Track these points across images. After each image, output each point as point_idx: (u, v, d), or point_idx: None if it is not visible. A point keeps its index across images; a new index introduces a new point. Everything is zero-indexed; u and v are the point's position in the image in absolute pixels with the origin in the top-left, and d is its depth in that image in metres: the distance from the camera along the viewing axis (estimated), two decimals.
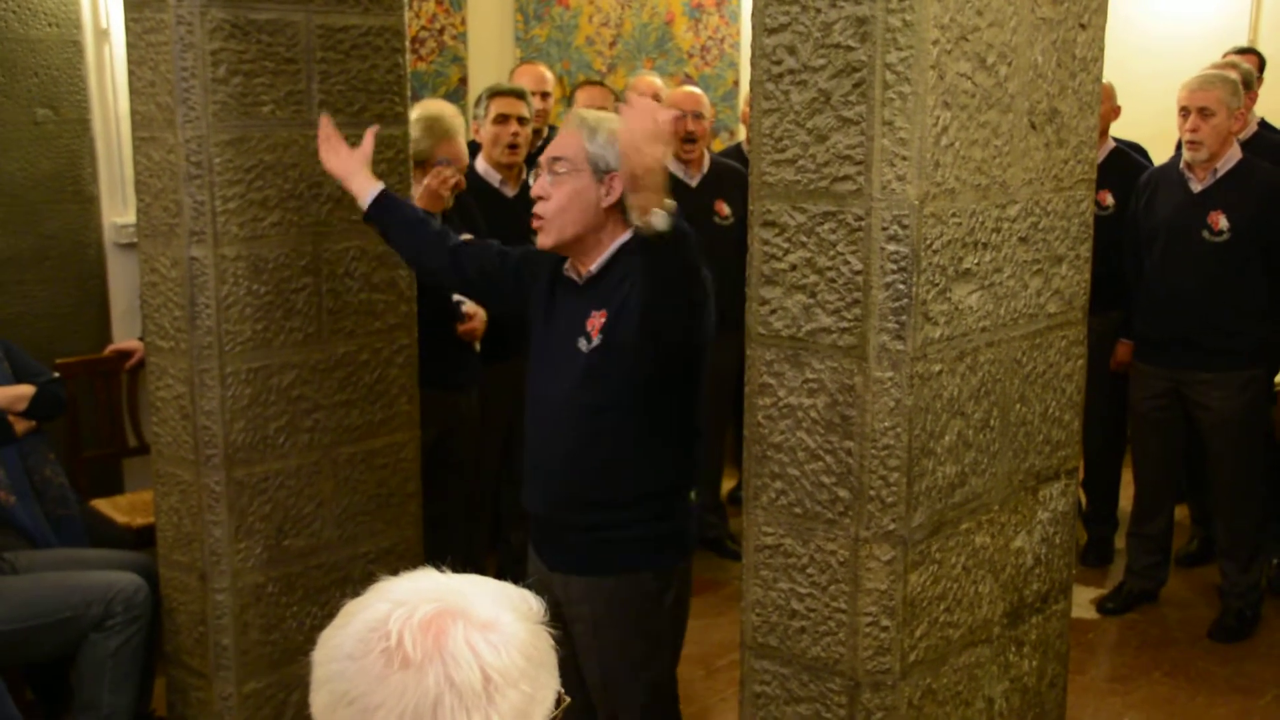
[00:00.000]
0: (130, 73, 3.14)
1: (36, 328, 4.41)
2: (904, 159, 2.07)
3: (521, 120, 4.41)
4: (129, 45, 3.13)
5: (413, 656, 1.22)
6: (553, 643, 1.34)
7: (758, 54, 2.23)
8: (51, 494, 3.64)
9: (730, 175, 4.96)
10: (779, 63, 2.19)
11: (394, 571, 1.34)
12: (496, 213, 4.41)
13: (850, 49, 2.10)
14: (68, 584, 3.29)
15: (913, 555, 2.17)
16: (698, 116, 4.95)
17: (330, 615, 1.29)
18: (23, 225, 4.55)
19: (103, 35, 4.80)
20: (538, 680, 1.29)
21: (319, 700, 1.28)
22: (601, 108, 4.72)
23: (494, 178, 4.50)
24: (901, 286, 2.09)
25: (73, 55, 4.74)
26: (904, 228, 2.08)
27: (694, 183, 5.01)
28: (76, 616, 3.24)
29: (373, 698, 1.22)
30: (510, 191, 4.52)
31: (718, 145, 5.57)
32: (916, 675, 2.23)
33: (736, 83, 6.32)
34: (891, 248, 2.09)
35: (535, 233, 2.67)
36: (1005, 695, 2.51)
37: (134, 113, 3.16)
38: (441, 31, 5.66)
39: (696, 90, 5.18)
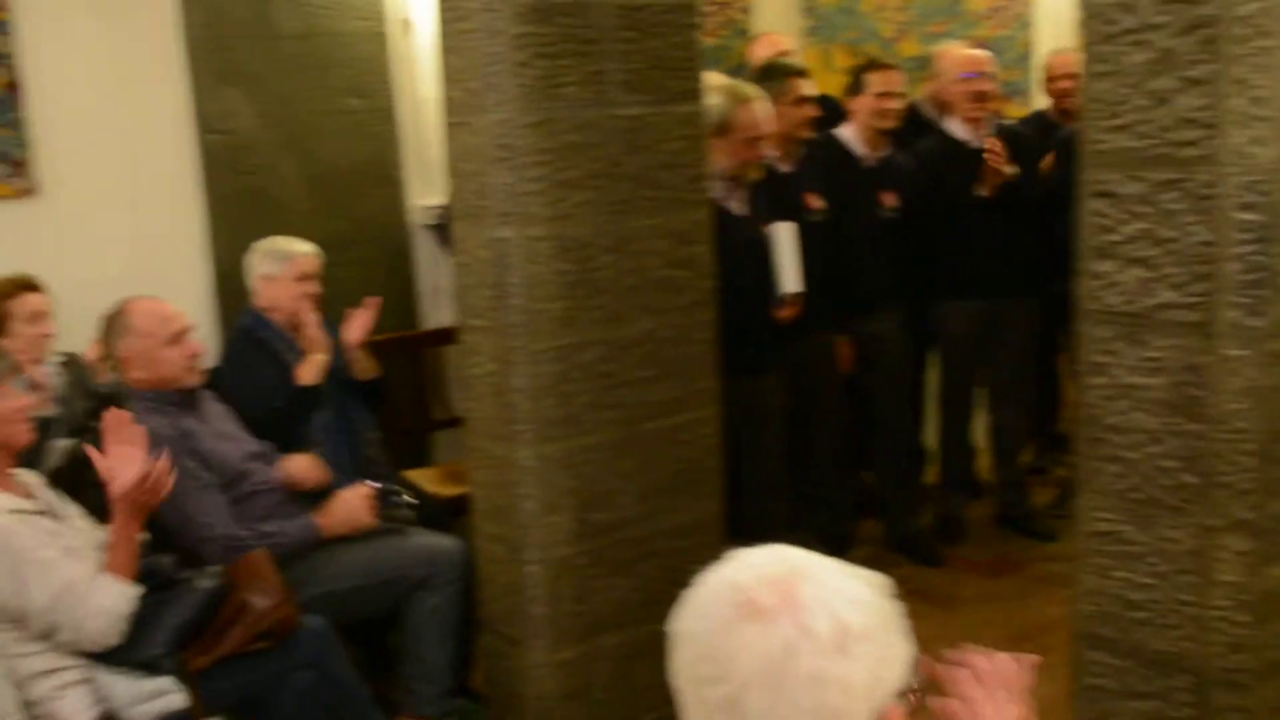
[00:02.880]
0: (442, 60, 3.24)
1: (346, 306, 4.64)
2: (1261, 120, 1.92)
3: (899, 95, 4.69)
4: (441, 34, 3.22)
5: (766, 607, 1.26)
6: (903, 617, 1.32)
7: (1088, 14, 2.11)
8: (371, 471, 3.84)
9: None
10: (1113, 23, 2.07)
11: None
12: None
13: (1195, 3, 1.96)
14: (394, 546, 3.49)
15: (1272, 547, 2.02)
16: (989, 76, 4.83)
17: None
18: (337, 210, 4.80)
19: (405, 26, 5.00)
20: (889, 644, 1.30)
21: (679, 660, 1.32)
22: (896, 93, 4.68)
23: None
24: (1257, 258, 1.94)
25: (377, 46, 4.96)
26: (1261, 195, 1.93)
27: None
28: (402, 577, 3.43)
29: (727, 648, 1.26)
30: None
31: (1017, 111, 5.36)
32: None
33: (1030, 45, 6.06)
34: (1245, 216, 1.95)
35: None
36: None
37: (445, 99, 3.25)
38: (727, 5, 5.65)
39: (984, 51, 5.04)
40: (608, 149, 3.25)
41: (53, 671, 2.78)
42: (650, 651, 3.30)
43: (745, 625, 1.26)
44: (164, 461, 2.93)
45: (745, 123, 3.89)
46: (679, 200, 3.39)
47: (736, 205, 4.03)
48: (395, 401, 4.58)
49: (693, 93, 3.42)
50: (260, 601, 3.03)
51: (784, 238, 4.17)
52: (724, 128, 3.88)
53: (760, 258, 4.10)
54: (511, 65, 3.10)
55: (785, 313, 4.19)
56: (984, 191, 4.63)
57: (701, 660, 1.28)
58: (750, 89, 4.15)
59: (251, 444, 3.61)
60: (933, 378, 5.18)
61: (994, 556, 4.90)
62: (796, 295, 4.19)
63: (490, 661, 3.43)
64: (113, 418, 2.96)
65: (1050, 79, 5.34)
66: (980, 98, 4.75)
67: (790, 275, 4.16)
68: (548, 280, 3.18)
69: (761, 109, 4.01)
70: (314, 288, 4.07)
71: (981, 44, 5.85)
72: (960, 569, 4.84)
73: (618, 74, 3.25)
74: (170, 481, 2.95)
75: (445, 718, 3.46)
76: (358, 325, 4.07)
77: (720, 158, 3.88)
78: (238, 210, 4.65)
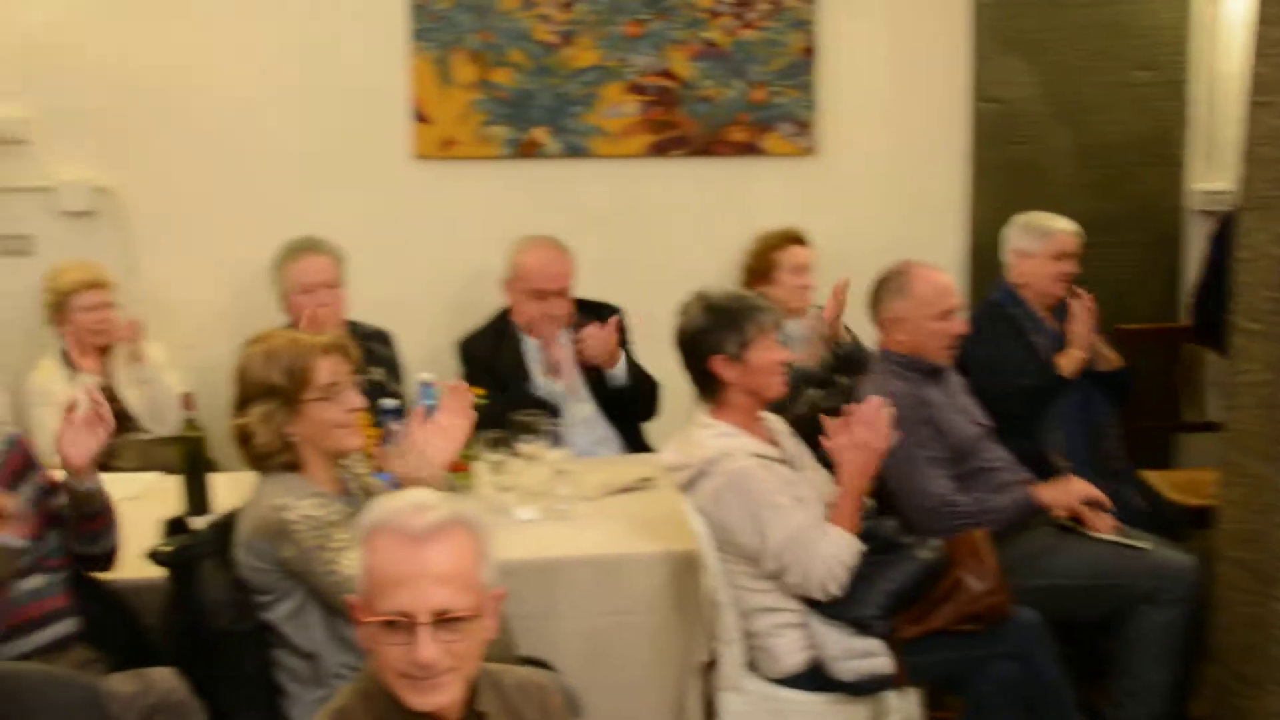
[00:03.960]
0: (1255, 33, 2.92)
1: (1103, 291, 4.38)
2: None
3: None
4: (1262, 2, 2.90)
5: None
6: None
7: None
8: (1109, 466, 3.64)
9: None
10: None
11: None
12: None
13: None
14: (1122, 551, 3.28)
15: None
16: None
17: None
18: (1106, 187, 4.60)
19: None
20: None
21: None
22: None
23: None
24: None
25: (1179, 14, 4.64)
26: None
27: None
28: (1125, 585, 3.23)
29: None
30: None
31: None
32: None
33: None
34: None
35: None
36: None
37: (1255, 74, 2.93)
38: None
39: None
40: None
41: (774, 610, 2.92)
42: None
43: None
44: (890, 428, 2.93)
45: None
46: None
47: None
48: (1141, 396, 4.29)
49: None
50: (976, 583, 2.98)
51: None
52: None
53: None
54: None
55: None
56: None
57: None
58: None
59: (985, 420, 3.55)
60: None
61: None
62: None
63: (1217, 696, 3.13)
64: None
65: None
66: None
67: None
68: None
69: None
70: (1071, 267, 3.91)
71: None
72: None
73: None
74: (893, 446, 2.96)
75: None
76: (1082, 317, 3.82)
77: None
78: (1002, 181, 4.61)
